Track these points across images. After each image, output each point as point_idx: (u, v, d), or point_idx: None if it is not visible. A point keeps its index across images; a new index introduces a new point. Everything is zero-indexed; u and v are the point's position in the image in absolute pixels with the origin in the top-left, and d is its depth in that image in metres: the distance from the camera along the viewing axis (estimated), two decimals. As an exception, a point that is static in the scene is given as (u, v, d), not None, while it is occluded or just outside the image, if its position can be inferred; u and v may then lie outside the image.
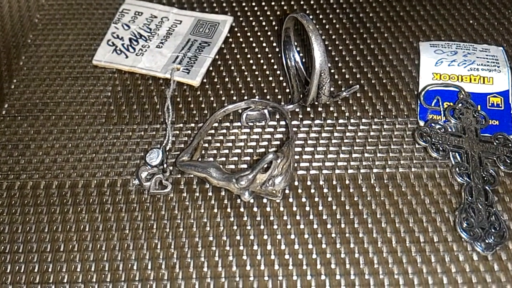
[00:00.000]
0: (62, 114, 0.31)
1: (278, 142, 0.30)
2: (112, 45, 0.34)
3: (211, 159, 0.29)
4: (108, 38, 0.34)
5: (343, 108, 0.31)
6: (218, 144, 0.30)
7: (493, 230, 0.26)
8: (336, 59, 0.33)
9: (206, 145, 0.30)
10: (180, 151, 0.29)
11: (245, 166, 0.29)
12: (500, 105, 0.31)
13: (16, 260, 0.26)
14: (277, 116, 0.31)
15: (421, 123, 0.30)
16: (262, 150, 0.29)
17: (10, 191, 0.28)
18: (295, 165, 0.29)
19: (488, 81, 0.31)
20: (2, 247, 0.26)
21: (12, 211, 0.27)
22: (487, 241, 0.26)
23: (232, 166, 0.29)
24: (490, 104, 0.31)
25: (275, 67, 0.33)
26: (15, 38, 0.35)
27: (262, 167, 0.26)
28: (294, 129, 0.30)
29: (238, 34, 0.35)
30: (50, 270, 0.25)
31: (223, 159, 0.29)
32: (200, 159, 0.29)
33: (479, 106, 0.30)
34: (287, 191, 0.28)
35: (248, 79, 0.33)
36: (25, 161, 0.29)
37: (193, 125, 0.30)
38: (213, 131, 0.30)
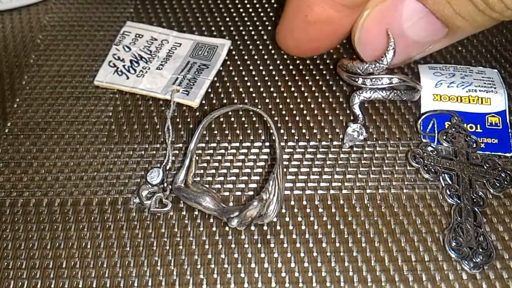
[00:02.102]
0: (64, 133, 0.32)
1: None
2: (113, 66, 0.35)
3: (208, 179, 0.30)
4: (109, 60, 0.35)
5: (337, 130, 0.32)
6: (206, 165, 0.30)
7: (480, 250, 0.27)
8: (331, 82, 0.35)
9: (205, 164, 0.30)
10: (179, 171, 0.30)
11: (242, 185, 0.30)
12: (499, 124, 0.32)
13: (19, 276, 0.26)
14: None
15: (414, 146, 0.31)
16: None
17: (13, 208, 0.29)
18: (292, 185, 0.30)
19: (486, 101, 0.33)
20: (5, 263, 0.27)
21: (15, 228, 0.28)
22: (474, 260, 0.27)
23: (230, 186, 0.30)
24: (488, 124, 0.32)
25: (272, 89, 0.34)
26: (18, 58, 0.36)
27: (249, 210, 0.26)
28: (289, 150, 0.31)
29: (236, 57, 0.36)
30: (52, 286, 0.26)
31: (221, 178, 0.30)
32: (196, 179, 0.30)
33: (478, 126, 0.32)
34: (283, 211, 0.29)
35: (246, 100, 0.34)
36: (28, 179, 0.30)
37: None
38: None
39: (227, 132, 0.32)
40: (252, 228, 0.28)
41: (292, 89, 0.34)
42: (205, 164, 0.30)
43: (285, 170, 0.30)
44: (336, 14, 0.29)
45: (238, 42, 0.37)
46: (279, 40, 0.34)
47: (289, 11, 0.32)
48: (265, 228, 0.28)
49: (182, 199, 0.28)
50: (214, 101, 0.33)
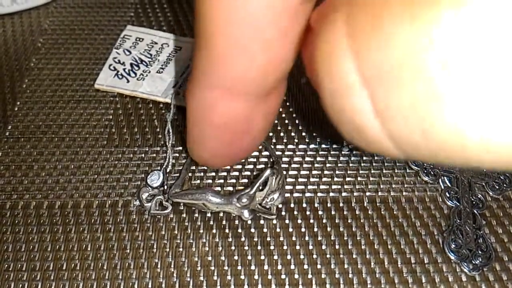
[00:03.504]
0: (64, 136, 0.32)
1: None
2: (114, 70, 0.35)
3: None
4: (110, 63, 0.35)
5: (337, 133, 0.32)
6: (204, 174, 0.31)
7: (480, 252, 0.27)
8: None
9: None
10: (179, 174, 0.30)
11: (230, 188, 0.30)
12: None
13: (19, 278, 0.26)
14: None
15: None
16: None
17: (14, 211, 0.29)
18: (291, 187, 0.30)
19: None
20: (6, 265, 0.27)
21: (16, 230, 0.28)
22: (474, 262, 0.27)
23: (230, 188, 0.30)
24: None
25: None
26: (19, 61, 0.36)
27: (261, 183, 0.27)
28: (289, 152, 0.31)
29: (236, 61, 0.36)
30: (53, 288, 0.26)
31: (221, 181, 0.30)
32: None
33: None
34: (283, 213, 0.29)
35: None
36: (28, 182, 0.30)
37: (192, 148, 0.31)
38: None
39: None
40: (252, 230, 0.28)
41: (292, 91, 0.34)
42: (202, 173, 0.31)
43: (284, 173, 0.30)
44: (246, 107, 0.22)
45: (238, 46, 0.37)
46: (193, 155, 0.27)
47: (192, 120, 0.24)
48: (265, 230, 0.28)
49: (185, 200, 0.28)
50: (214, 104, 0.34)
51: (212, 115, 0.23)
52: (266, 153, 0.31)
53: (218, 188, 0.30)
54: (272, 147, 0.31)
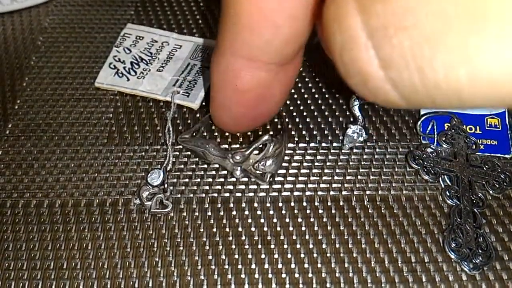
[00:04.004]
0: (64, 134, 0.32)
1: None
2: (114, 68, 0.35)
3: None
4: (110, 61, 0.35)
5: (337, 132, 0.32)
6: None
7: (480, 251, 0.27)
8: (330, 84, 0.35)
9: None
10: (180, 172, 0.30)
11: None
12: (498, 126, 0.32)
13: (20, 277, 0.26)
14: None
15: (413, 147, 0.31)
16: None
17: (14, 209, 0.29)
18: (291, 186, 0.30)
19: None
20: (6, 264, 0.27)
21: (16, 229, 0.28)
22: (474, 261, 0.27)
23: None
24: (488, 125, 0.32)
25: (272, 91, 0.34)
26: (19, 60, 0.36)
27: (257, 147, 0.29)
28: (290, 151, 0.31)
29: (236, 59, 0.36)
30: (53, 287, 0.26)
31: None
32: None
33: (478, 127, 0.32)
34: (283, 211, 0.29)
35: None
36: (29, 180, 0.30)
37: (192, 146, 0.31)
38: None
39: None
40: (253, 229, 0.28)
41: (292, 90, 0.34)
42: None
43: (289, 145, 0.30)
44: (267, 76, 0.25)
45: (238, 44, 0.37)
46: (215, 119, 0.30)
47: (216, 87, 0.27)
48: (265, 229, 0.28)
49: (189, 146, 0.30)
50: (214, 103, 0.34)
51: (236, 82, 0.25)
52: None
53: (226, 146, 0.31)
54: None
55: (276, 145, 0.29)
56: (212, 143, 0.30)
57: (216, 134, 0.32)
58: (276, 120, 0.33)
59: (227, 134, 0.32)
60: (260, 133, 0.32)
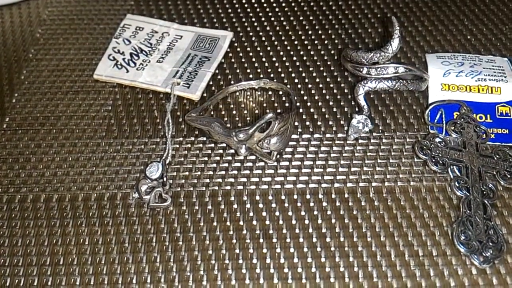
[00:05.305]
0: (62, 127, 0.31)
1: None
2: (113, 60, 0.34)
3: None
4: (109, 53, 0.34)
5: (342, 122, 0.31)
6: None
7: (490, 244, 0.26)
8: (335, 73, 0.34)
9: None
10: (179, 165, 0.29)
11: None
12: (509, 114, 0.31)
13: (15, 273, 0.26)
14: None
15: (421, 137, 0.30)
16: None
17: (10, 204, 0.28)
18: (294, 178, 0.29)
19: (496, 91, 0.32)
20: (2, 260, 0.26)
21: (12, 224, 0.27)
22: (484, 254, 0.26)
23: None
24: (499, 114, 0.31)
25: (274, 81, 0.33)
26: (17, 52, 0.35)
27: (261, 125, 0.28)
28: (293, 142, 0.30)
29: (238, 49, 0.35)
30: (49, 283, 0.25)
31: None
32: None
33: (488, 116, 0.31)
34: (286, 205, 0.28)
35: (248, 93, 0.33)
36: (26, 175, 0.29)
37: (192, 138, 0.31)
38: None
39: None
40: (254, 222, 0.27)
41: (296, 80, 0.33)
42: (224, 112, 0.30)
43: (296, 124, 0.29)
44: None
45: (241, 34, 0.36)
46: None
47: None
48: (267, 222, 0.27)
49: (195, 124, 0.30)
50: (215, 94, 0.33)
51: None
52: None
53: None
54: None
55: (281, 122, 0.28)
56: (218, 121, 0.29)
57: (223, 113, 0.31)
58: (284, 98, 0.32)
59: (234, 113, 0.31)
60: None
